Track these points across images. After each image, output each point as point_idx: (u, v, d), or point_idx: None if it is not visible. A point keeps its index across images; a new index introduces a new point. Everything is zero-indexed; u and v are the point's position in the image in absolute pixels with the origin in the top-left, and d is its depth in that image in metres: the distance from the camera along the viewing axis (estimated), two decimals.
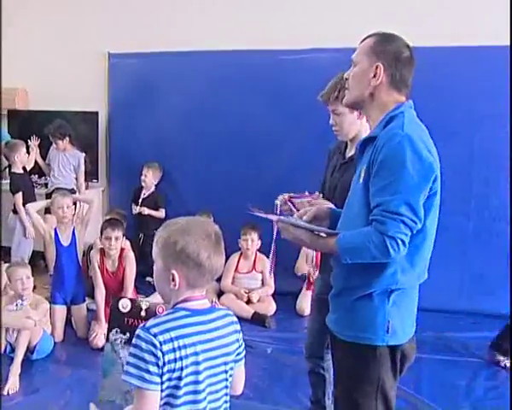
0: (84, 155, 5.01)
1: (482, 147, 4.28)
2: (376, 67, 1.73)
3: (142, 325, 1.43)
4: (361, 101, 1.79)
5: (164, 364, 1.39)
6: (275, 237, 2.22)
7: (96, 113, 5.29)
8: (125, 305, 1.68)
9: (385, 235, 1.57)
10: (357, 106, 1.86)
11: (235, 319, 1.60)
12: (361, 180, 1.70)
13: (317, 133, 3.69)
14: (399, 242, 1.58)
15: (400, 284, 1.68)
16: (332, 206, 2.06)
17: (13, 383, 3.15)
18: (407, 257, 1.65)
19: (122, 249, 3.94)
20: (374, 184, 1.63)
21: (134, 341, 1.41)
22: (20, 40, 5.49)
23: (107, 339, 1.64)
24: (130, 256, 3.94)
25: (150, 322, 1.42)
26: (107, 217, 4.34)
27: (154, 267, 1.52)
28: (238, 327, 1.58)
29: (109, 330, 1.64)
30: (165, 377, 1.40)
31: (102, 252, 3.91)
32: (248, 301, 4.32)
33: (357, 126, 2.30)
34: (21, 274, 3.50)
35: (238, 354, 1.58)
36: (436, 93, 4.19)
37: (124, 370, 1.40)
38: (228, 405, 1.57)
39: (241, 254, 4.50)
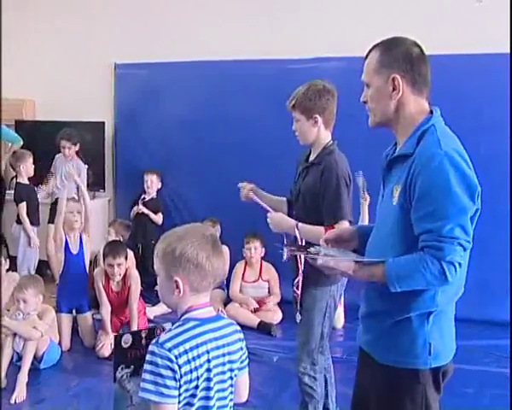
0: (86, 167, 4.99)
1: (488, 154, 4.28)
2: (393, 80, 1.64)
3: (154, 341, 1.45)
4: (387, 119, 1.70)
5: (181, 376, 1.41)
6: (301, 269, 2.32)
7: (103, 123, 5.33)
8: (126, 340, 1.70)
9: (442, 261, 1.52)
10: (383, 126, 1.74)
11: (239, 328, 1.62)
12: (395, 201, 1.63)
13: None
14: (457, 265, 1.54)
15: (440, 305, 1.63)
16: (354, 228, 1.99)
17: (20, 392, 3.16)
18: None
19: (126, 268, 3.91)
20: (418, 209, 1.56)
21: (149, 357, 1.42)
22: (27, 51, 5.56)
23: (115, 379, 1.65)
24: (135, 275, 3.92)
25: (163, 337, 1.44)
26: (109, 239, 4.33)
27: (158, 280, 1.54)
28: (242, 336, 1.61)
29: (115, 369, 1.65)
30: (182, 389, 1.43)
31: (106, 273, 3.88)
32: (256, 310, 4.33)
33: (313, 133, 2.43)
34: (29, 295, 3.51)
35: (242, 362, 1.60)
36: (442, 100, 4.20)
37: (140, 387, 1.39)
38: None
39: (246, 263, 4.51)
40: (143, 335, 1.70)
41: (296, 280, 2.45)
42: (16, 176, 4.73)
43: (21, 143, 4.93)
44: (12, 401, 3.10)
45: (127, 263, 3.97)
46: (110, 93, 5.39)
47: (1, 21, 5.05)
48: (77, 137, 4.95)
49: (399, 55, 1.65)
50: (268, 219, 2.42)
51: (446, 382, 1.73)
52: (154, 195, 5.08)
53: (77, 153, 5.01)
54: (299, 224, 2.33)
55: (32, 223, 4.54)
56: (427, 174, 1.54)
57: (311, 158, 2.50)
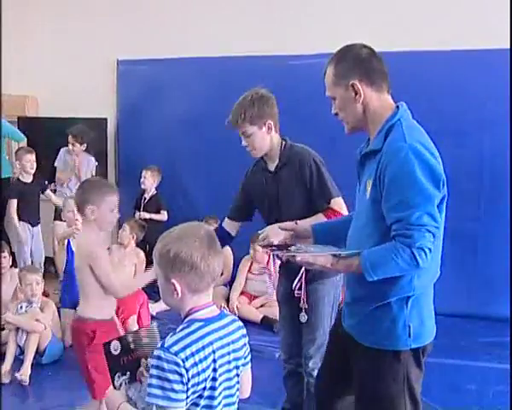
0: (95, 162, 5.02)
1: (492, 150, 4.27)
2: (352, 86, 1.75)
3: (160, 344, 1.44)
4: (358, 122, 1.80)
5: (188, 380, 1.40)
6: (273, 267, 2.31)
7: (105, 119, 5.34)
8: (116, 347, 1.67)
9: (413, 247, 1.60)
10: (358, 130, 1.85)
11: (242, 323, 1.61)
12: (368, 195, 1.73)
13: (327, 139, 3.71)
14: (427, 251, 1.62)
15: (417, 289, 1.71)
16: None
17: (25, 370, 3.24)
18: None
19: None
20: (387, 201, 1.65)
21: (155, 362, 1.41)
22: (30, 48, 5.56)
23: (114, 386, 1.64)
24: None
25: (168, 341, 1.42)
26: (123, 235, 4.39)
27: (158, 281, 1.53)
28: (245, 331, 1.60)
29: (112, 378, 1.64)
30: (190, 392, 1.42)
31: None
32: (260, 305, 4.36)
33: (268, 141, 2.42)
34: (32, 280, 3.54)
35: (245, 358, 1.60)
36: (446, 96, 4.21)
37: (146, 393, 1.40)
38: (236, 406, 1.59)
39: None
40: (130, 339, 1.68)
41: (296, 281, 2.44)
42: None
43: (25, 140, 4.93)
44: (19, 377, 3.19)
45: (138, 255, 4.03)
46: (113, 89, 5.38)
47: (1, 21, 5.06)
48: (85, 137, 4.92)
49: (351, 62, 1.77)
50: (263, 234, 2.29)
51: (425, 359, 1.81)
52: (153, 191, 5.06)
53: (87, 150, 5.01)
54: (298, 221, 2.32)
55: (28, 222, 4.53)
56: (393, 167, 1.63)
57: (273, 164, 2.47)
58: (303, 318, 2.49)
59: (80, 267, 2.37)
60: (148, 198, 5.04)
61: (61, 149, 5.03)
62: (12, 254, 4.37)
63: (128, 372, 1.64)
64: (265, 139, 2.42)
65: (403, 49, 4.24)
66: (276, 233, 2.31)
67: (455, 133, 4.27)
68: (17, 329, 3.46)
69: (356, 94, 1.75)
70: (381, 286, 1.70)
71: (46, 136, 5.20)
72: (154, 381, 1.40)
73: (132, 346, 1.67)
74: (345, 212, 2.36)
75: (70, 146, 4.94)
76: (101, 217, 2.35)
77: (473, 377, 3.39)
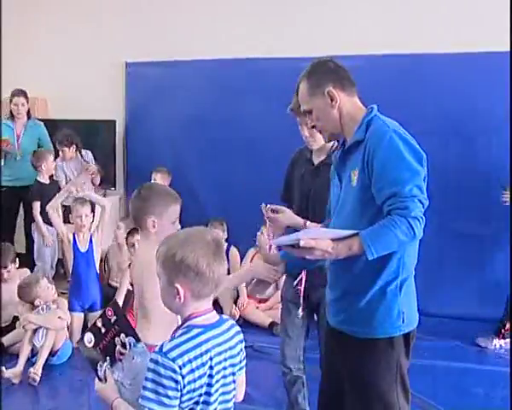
0: (89, 152, 4.92)
1: (501, 152, 4.24)
2: (328, 93, 1.87)
3: (158, 348, 1.43)
4: (336, 128, 1.92)
5: (184, 386, 1.40)
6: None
7: (114, 121, 5.35)
8: (89, 340, 1.64)
9: (408, 217, 1.69)
10: (336, 137, 1.99)
11: (239, 328, 1.60)
12: (354, 183, 1.83)
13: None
14: (420, 220, 1.71)
15: (406, 269, 1.82)
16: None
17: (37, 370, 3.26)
18: None
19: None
20: (378, 181, 1.76)
21: (151, 366, 1.40)
22: (39, 50, 5.59)
23: (99, 378, 1.62)
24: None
25: (166, 346, 1.42)
26: (118, 234, 4.38)
27: (160, 283, 1.51)
28: (242, 337, 1.59)
29: (96, 371, 1.63)
30: (185, 398, 1.42)
31: None
32: (269, 309, 4.34)
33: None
34: (44, 285, 3.58)
35: (241, 362, 1.59)
36: (454, 99, 4.20)
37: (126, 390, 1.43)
38: None
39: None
40: (99, 324, 1.65)
41: (299, 277, 2.44)
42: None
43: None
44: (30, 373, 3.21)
45: None
46: (121, 92, 5.41)
47: (1, 21, 5.11)
48: (73, 137, 4.82)
49: (322, 72, 1.91)
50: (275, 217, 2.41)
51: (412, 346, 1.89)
52: None
53: (79, 151, 4.90)
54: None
55: (48, 223, 4.55)
56: (381, 149, 1.76)
57: (319, 158, 2.49)
58: (299, 315, 2.49)
59: (142, 289, 2.03)
60: None
61: (56, 163, 4.83)
62: (21, 255, 4.39)
63: (107, 357, 1.62)
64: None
65: (415, 52, 4.28)
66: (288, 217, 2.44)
67: (463, 135, 4.27)
68: (34, 331, 3.46)
69: (332, 100, 1.88)
70: (373, 272, 1.78)
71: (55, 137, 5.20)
72: (148, 384, 1.40)
73: (103, 330, 1.63)
74: None
75: (60, 154, 4.82)
76: (162, 230, 2.02)
77: (481, 380, 3.37)
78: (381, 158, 1.76)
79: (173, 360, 1.39)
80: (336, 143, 2.41)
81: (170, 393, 1.39)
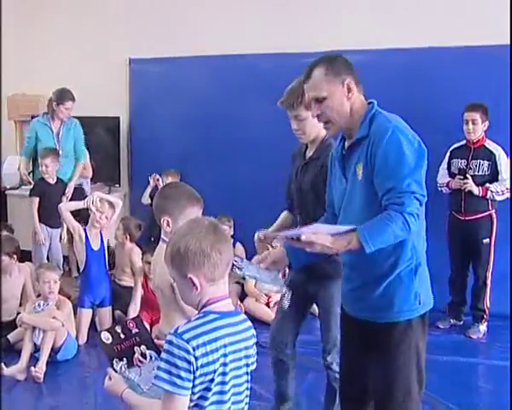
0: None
1: (506, 148, 4.20)
2: (348, 84, 1.90)
3: (173, 330, 1.44)
4: (344, 122, 1.93)
5: (197, 368, 1.40)
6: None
7: (118, 118, 5.35)
8: (106, 337, 1.68)
9: (404, 212, 1.75)
10: (340, 130, 1.99)
11: (251, 324, 1.61)
12: (360, 177, 1.89)
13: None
14: (415, 216, 1.77)
15: (418, 254, 1.90)
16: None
17: (40, 368, 3.25)
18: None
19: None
20: (379, 175, 1.82)
21: (166, 347, 1.42)
22: (43, 47, 5.58)
23: (115, 371, 1.64)
24: None
25: (182, 328, 1.43)
26: (117, 234, 4.38)
27: (175, 284, 1.55)
28: (254, 332, 1.60)
29: (111, 363, 1.64)
30: (197, 381, 1.42)
31: (145, 271, 3.99)
32: (273, 304, 4.30)
33: (317, 128, 2.39)
34: (50, 277, 3.57)
35: (253, 357, 1.59)
36: (460, 94, 4.16)
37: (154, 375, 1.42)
38: (247, 406, 1.58)
39: None
40: (119, 330, 1.69)
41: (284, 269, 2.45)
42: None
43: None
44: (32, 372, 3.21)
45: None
46: (125, 88, 5.40)
47: (1, 21, 5.09)
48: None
49: (340, 63, 1.94)
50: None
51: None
52: None
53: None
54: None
55: (48, 224, 4.53)
56: (383, 144, 1.81)
57: (309, 153, 2.49)
58: (286, 303, 2.54)
59: (161, 288, 2.01)
60: None
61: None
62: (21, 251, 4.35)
63: (124, 359, 1.65)
64: (316, 126, 2.35)
65: (416, 46, 4.23)
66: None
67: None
68: (33, 327, 3.47)
69: (349, 92, 1.90)
70: (388, 260, 1.86)
71: None
72: (162, 364, 1.41)
73: (122, 336, 1.68)
74: None
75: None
76: None
77: (489, 376, 3.35)
78: (383, 153, 1.81)
79: (187, 341, 1.40)
80: (327, 136, 2.44)
81: (182, 374, 1.39)
